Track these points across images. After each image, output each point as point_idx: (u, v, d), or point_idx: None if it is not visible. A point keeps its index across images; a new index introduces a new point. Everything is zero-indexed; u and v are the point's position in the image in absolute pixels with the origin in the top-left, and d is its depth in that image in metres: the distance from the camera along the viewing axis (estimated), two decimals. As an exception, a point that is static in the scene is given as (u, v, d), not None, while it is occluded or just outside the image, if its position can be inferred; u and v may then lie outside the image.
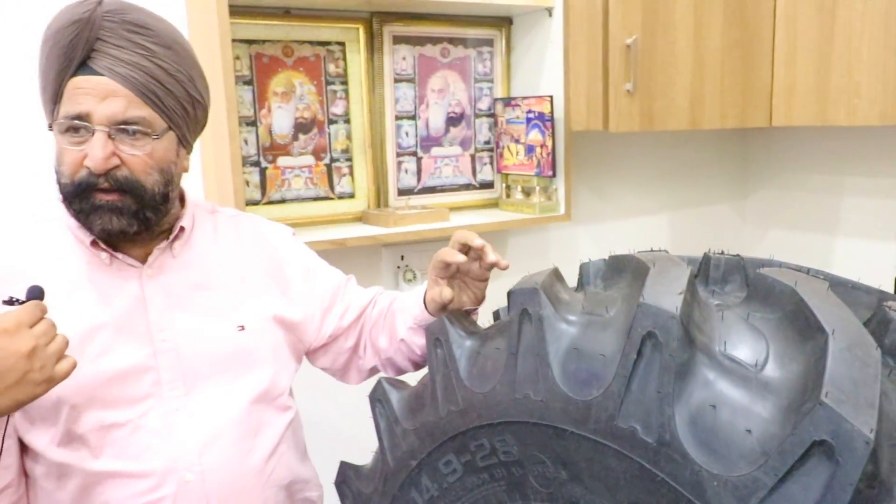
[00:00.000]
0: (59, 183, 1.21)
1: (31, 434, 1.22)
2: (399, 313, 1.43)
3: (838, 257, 2.63)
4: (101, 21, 1.16)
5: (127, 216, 1.20)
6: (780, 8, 2.22)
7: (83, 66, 1.16)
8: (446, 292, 1.31)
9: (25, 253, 1.25)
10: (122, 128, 1.17)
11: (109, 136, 1.16)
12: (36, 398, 1.05)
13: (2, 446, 1.19)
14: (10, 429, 1.20)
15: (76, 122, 1.16)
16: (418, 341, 1.38)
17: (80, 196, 1.18)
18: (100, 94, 1.16)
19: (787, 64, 2.23)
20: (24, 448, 1.24)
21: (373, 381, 1.44)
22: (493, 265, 1.30)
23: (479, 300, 1.36)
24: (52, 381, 1.05)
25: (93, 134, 1.16)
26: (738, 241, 2.89)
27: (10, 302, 1.06)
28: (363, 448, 1.40)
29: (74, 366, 1.08)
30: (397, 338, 1.41)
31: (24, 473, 1.25)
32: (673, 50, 2.13)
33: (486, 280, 1.35)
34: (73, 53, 1.15)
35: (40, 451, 1.21)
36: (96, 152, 1.15)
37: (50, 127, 1.22)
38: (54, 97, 1.19)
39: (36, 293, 1.07)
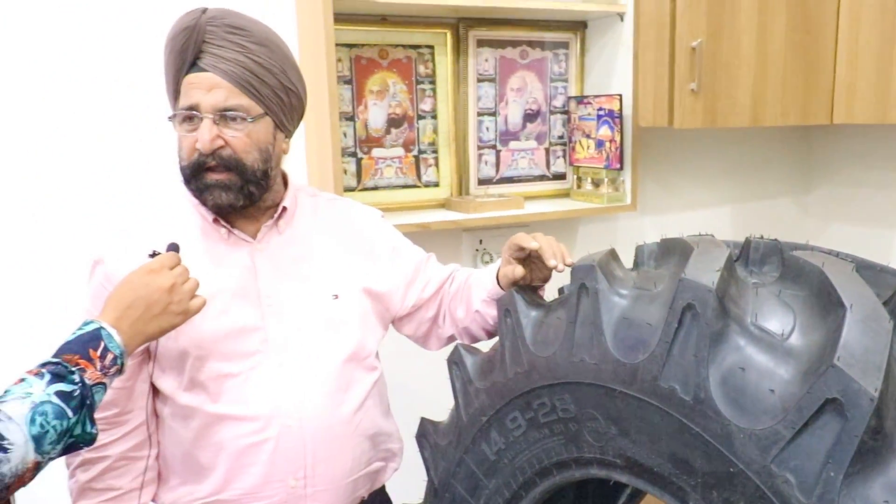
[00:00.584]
0: (180, 167, 1.28)
1: (161, 380, 1.29)
2: (475, 287, 1.45)
3: (899, 250, 2.56)
4: (205, 26, 1.23)
5: (234, 191, 1.26)
6: (843, 10, 2.16)
7: (193, 66, 1.24)
8: (518, 270, 1.33)
9: (163, 228, 1.32)
10: (224, 114, 1.23)
11: (214, 121, 1.23)
12: (174, 327, 1.14)
13: (141, 386, 1.29)
14: (145, 374, 1.29)
15: (189, 111, 1.24)
16: (491, 312, 1.40)
17: (195, 176, 1.26)
18: (206, 87, 1.23)
19: (848, 63, 2.17)
20: (155, 393, 1.32)
21: (450, 347, 1.46)
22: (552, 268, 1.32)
23: (546, 279, 1.37)
24: (187, 313, 1.14)
25: (202, 121, 1.23)
26: (800, 234, 2.77)
27: (153, 254, 1.15)
28: (440, 407, 1.43)
29: (204, 303, 1.16)
30: (472, 309, 1.44)
31: (156, 414, 1.33)
32: (737, 51, 2.10)
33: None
34: (185, 55, 1.24)
35: (169, 395, 1.29)
36: (204, 135, 1.22)
37: (171, 119, 1.30)
38: (175, 94, 1.28)
39: (173, 247, 1.17)
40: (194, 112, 1.24)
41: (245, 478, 1.28)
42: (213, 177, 1.25)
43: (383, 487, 1.51)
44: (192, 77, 1.24)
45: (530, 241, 1.31)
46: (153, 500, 1.35)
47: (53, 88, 1.85)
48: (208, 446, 1.28)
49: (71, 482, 1.30)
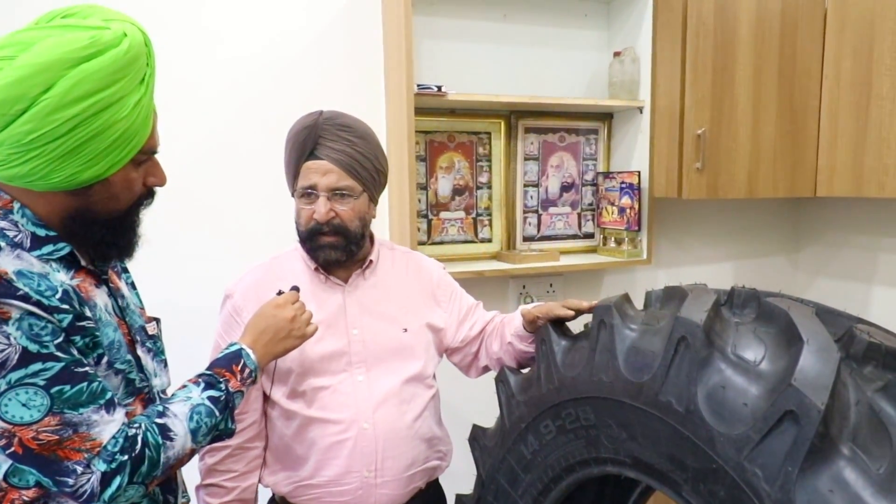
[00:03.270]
0: (297, 230, 1.34)
1: (271, 389, 1.34)
2: (507, 325, 1.45)
3: (875, 302, 2.48)
4: (322, 125, 1.29)
5: (340, 250, 1.31)
6: (823, 104, 2.17)
7: (311, 154, 1.29)
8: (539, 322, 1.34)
9: (278, 273, 1.38)
10: (335, 193, 1.29)
11: (328, 198, 1.29)
12: (294, 348, 1.18)
13: (255, 394, 1.33)
14: (259, 383, 1.33)
15: (308, 190, 1.29)
16: (519, 345, 1.40)
17: (310, 238, 1.31)
18: (321, 172, 1.28)
19: (828, 147, 2.16)
20: (265, 399, 1.36)
21: (488, 375, 1.48)
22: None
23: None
24: (304, 337, 1.18)
25: (318, 198, 1.29)
26: (791, 287, 2.73)
27: (279, 293, 1.21)
28: (487, 417, 1.45)
29: (316, 329, 1.20)
30: (505, 342, 1.43)
31: (265, 415, 1.37)
32: (735, 137, 2.10)
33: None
34: (305, 146, 1.29)
35: (276, 400, 1.33)
36: (321, 209, 1.28)
37: (292, 194, 1.36)
38: (294, 175, 1.32)
39: (295, 288, 1.23)
40: (312, 191, 1.29)
41: (330, 468, 1.31)
42: (325, 239, 1.30)
43: (437, 481, 1.51)
44: (311, 163, 1.29)
45: (567, 312, 1.30)
46: (260, 481, 1.38)
47: (224, 138, 1.93)
48: (304, 441, 1.32)
49: (200, 464, 1.35)
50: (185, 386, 1.03)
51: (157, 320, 1.16)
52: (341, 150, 1.29)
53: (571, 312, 1.29)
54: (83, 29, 0.88)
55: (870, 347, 0.90)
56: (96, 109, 0.88)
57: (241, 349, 1.10)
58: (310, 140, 1.29)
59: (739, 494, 0.85)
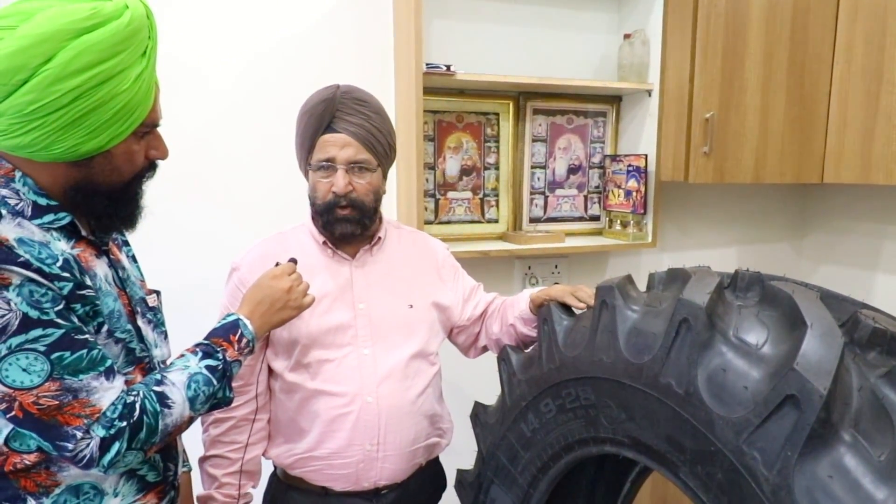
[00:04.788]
0: (313, 204, 1.32)
1: (275, 362, 1.33)
2: (509, 308, 1.44)
3: (879, 290, 2.45)
4: (340, 99, 1.28)
5: (354, 223, 1.30)
6: (833, 89, 2.12)
7: (328, 128, 1.28)
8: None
9: (284, 246, 1.36)
10: (353, 166, 1.28)
11: (346, 171, 1.28)
12: (291, 319, 1.17)
13: (260, 366, 1.32)
14: (262, 356, 1.33)
15: (326, 163, 1.28)
16: (521, 328, 1.40)
17: (327, 211, 1.30)
18: (340, 145, 1.27)
19: (837, 133, 2.12)
20: (270, 371, 1.36)
21: (487, 355, 1.48)
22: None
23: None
24: (300, 308, 1.17)
25: (336, 171, 1.27)
26: (795, 273, 2.69)
27: (276, 265, 1.20)
28: (488, 394, 1.45)
29: (314, 300, 1.20)
30: (507, 323, 1.42)
31: (269, 388, 1.37)
32: (743, 122, 2.07)
33: None
34: (323, 120, 1.27)
35: (279, 373, 1.33)
36: (339, 182, 1.27)
37: (303, 169, 1.34)
38: (309, 149, 1.30)
39: (292, 260, 1.22)
40: (330, 163, 1.27)
41: (333, 440, 1.30)
42: (342, 213, 1.29)
43: (437, 458, 1.50)
44: (328, 136, 1.27)
45: (576, 302, 1.28)
46: (263, 453, 1.38)
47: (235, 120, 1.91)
48: (307, 414, 1.31)
49: (204, 435, 1.35)
50: (182, 355, 1.03)
51: (158, 293, 1.16)
52: (359, 123, 1.27)
53: (583, 305, 1.26)
54: (84, 0, 0.86)
55: (874, 333, 0.87)
56: (97, 81, 0.87)
57: (239, 319, 1.09)
58: (327, 113, 1.28)
59: (737, 478, 0.84)
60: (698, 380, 0.90)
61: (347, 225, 1.31)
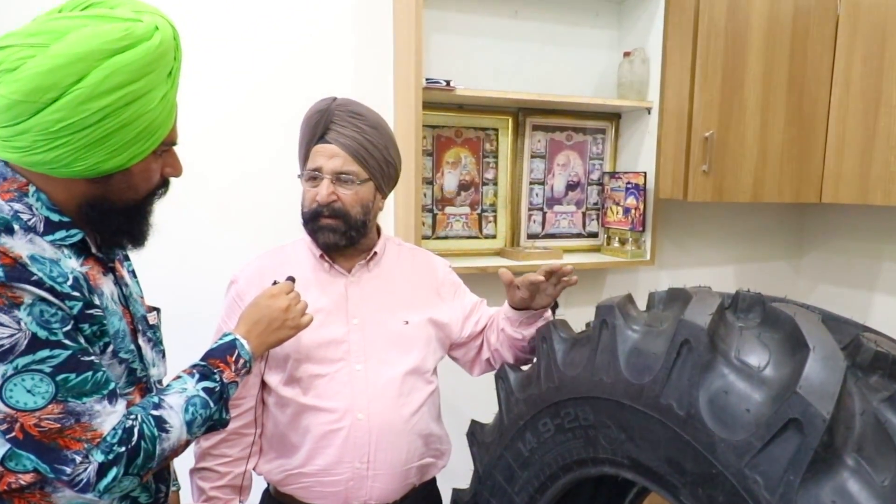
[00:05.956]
0: (302, 212, 1.32)
1: (268, 375, 1.32)
2: (500, 313, 1.43)
3: (876, 310, 2.46)
4: (334, 110, 1.28)
5: (339, 233, 1.29)
6: (832, 110, 2.15)
7: (321, 138, 1.29)
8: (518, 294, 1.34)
9: (282, 260, 1.37)
10: (339, 177, 1.28)
11: (332, 181, 1.27)
12: (289, 338, 1.15)
13: (254, 381, 1.31)
14: (257, 371, 1.32)
15: (313, 172, 1.29)
16: (509, 330, 1.37)
17: (312, 220, 1.30)
18: (328, 155, 1.27)
19: (836, 153, 2.14)
20: (263, 386, 1.35)
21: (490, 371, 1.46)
22: (564, 273, 1.29)
23: (549, 304, 1.36)
24: (298, 328, 1.16)
25: (322, 180, 1.28)
26: (793, 292, 2.67)
27: (275, 283, 1.19)
28: (485, 413, 1.44)
29: (311, 320, 1.18)
30: (499, 328, 1.41)
31: (263, 401, 1.36)
32: (742, 141, 2.09)
33: (556, 295, 1.35)
34: (317, 130, 1.29)
35: (273, 387, 1.32)
36: (322, 191, 1.27)
37: (300, 176, 1.34)
38: (304, 158, 1.32)
39: (290, 279, 1.21)
40: (318, 173, 1.28)
41: (323, 457, 1.29)
42: (325, 221, 1.29)
43: (433, 480, 1.48)
44: (319, 147, 1.29)
45: (538, 277, 1.30)
46: (254, 468, 1.37)
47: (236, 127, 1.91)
48: (298, 429, 1.30)
49: (195, 447, 1.33)
50: (179, 377, 1.01)
51: (158, 310, 1.15)
52: (350, 135, 1.28)
53: (541, 278, 1.28)
54: (117, 20, 0.87)
55: (876, 356, 0.87)
56: (126, 101, 0.87)
57: (236, 339, 1.08)
58: (321, 124, 1.29)
59: (739, 502, 0.83)
60: (700, 402, 0.90)
61: (331, 234, 1.30)
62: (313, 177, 1.30)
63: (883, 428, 0.79)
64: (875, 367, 0.87)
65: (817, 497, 0.75)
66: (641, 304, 1.21)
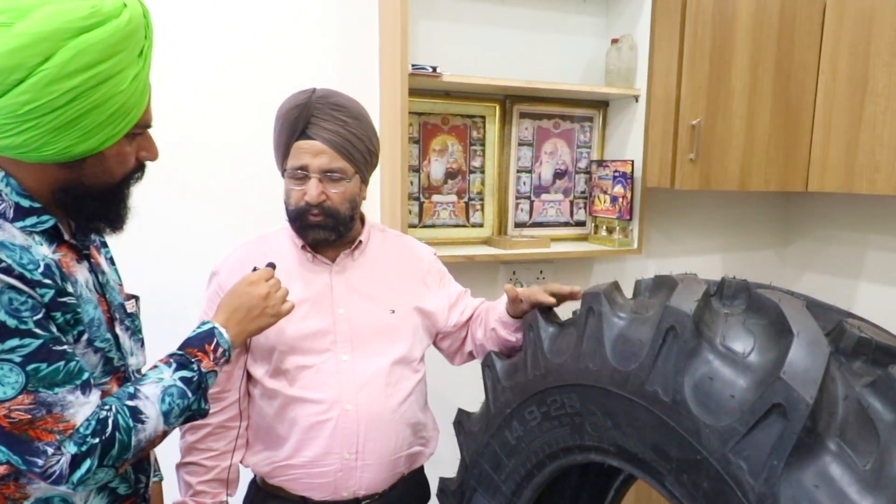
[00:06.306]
0: (287, 210, 1.31)
1: (254, 367, 1.32)
2: (490, 312, 1.42)
3: (861, 298, 2.48)
4: (314, 104, 1.25)
5: (328, 230, 1.29)
6: (819, 99, 2.15)
7: (302, 134, 1.25)
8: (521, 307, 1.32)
9: (264, 250, 1.35)
10: (327, 175, 1.26)
11: (320, 180, 1.26)
12: (269, 326, 1.14)
13: (238, 373, 1.31)
14: (241, 363, 1.32)
15: (299, 171, 1.26)
16: (501, 332, 1.37)
17: (299, 218, 1.28)
18: (313, 153, 1.24)
19: (822, 142, 2.15)
20: (248, 378, 1.34)
21: (473, 363, 1.47)
22: (575, 297, 1.27)
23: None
24: (278, 316, 1.14)
25: (309, 179, 1.25)
26: (778, 280, 2.64)
27: (254, 270, 1.18)
28: (472, 402, 1.43)
29: (293, 307, 1.17)
30: (489, 328, 1.40)
31: (248, 394, 1.36)
32: (729, 129, 2.09)
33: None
34: (297, 125, 1.25)
35: (258, 379, 1.31)
36: (312, 191, 1.25)
37: (282, 174, 1.32)
38: (284, 155, 1.28)
39: (270, 265, 1.20)
40: (303, 171, 1.26)
41: (311, 448, 1.29)
42: (313, 219, 1.28)
43: (421, 468, 1.49)
44: (302, 143, 1.25)
45: (548, 298, 1.27)
46: (241, 461, 1.37)
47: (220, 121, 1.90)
48: (285, 421, 1.30)
49: (181, 441, 1.33)
50: (156, 366, 1.00)
51: (137, 298, 1.14)
52: (334, 130, 1.25)
53: (553, 300, 1.26)
54: None
55: (860, 342, 0.87)
56: (95, 82, 0.85)
57: (214, 328, 1.07)
58: (301, 119, 1.25)
59: (723, 487, 0.84)
60: (685, 388, 0.90)
61: (320, 231, 1.29)
62: (299, 176, 1.27)
63: (865, 413, 0.79)
64: (858, 353, 0.87)
65: (800, 481, 0.75)
66: (629, 293, 1.20)
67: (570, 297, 1.27)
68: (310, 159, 1.25)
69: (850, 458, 0.75)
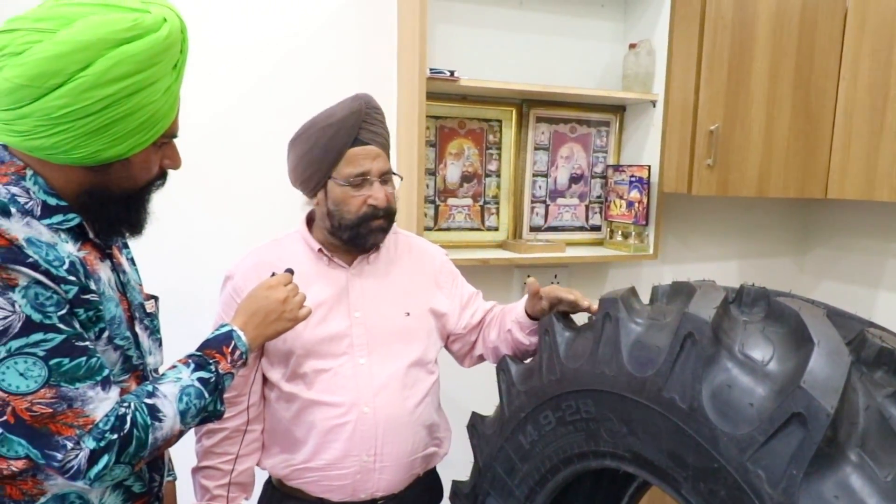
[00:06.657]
0: (342, 217, 1.29)
1: (270, 371, 1.33)
2: (507, 314, 1.42)
3: (880, 308, 2.44)
4: (365, 109, 1.28)
5: (384, 233, 1.33)
6: (839, 104, 2.14)
7: (356, 140, 1.27)
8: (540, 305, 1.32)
9: (279, 254, 1.35)
10: (384, 178, 1.29)
11: (381, 182, 1.29)
12: (286, 331, 1.15)
13: (254, 376, 1.31)
14: (257, 366, 1.32)
15: (361, 178, 1.27)
16: (517, 333, 1.38)
17: (361, 224, 1.29)
18: (372, 157, 1.28)
19: (842, 148, 2.12)
20: (265, 381, 1.35)
21: (485, 365, 1.47)
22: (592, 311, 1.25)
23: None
24: (296, 320, 1.15)
25: (372, 183, 1.28)
26: (796, 288, 2.67)
27: (273, 275, 1.18)
28: (486, 405, 1.43)
29: (310, 312, 1.17)
30: (505, 328, 1.40)
31: (263, 397, 1.36)
32: (747, 135, 2.07)
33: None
34: (353, 132, 1.27)
35: (275, 382, 1.32)
36: (380, 195, 1.28)
37: (315, 184, 1.30)
38: (333, 163, 1.27)
39: (289, 270, 1.20)
40: (364, 177, 1.27)
41: (329, 451, 1.29)
42: (377, 223, 1.30)
43: (434, 469, 1.49)
44: (358, 150, 1.27)
45: (568, 294, 1.27)
46: (258, 464, 1.38)
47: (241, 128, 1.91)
48: (303, 424, 1.30)
49: (197, 446, 1.34)
50: (174, 366, 1.02)
51: (156, 298, 1.15)
52: (380, 132, 1.30)
53: (573, 297, 1.26)
54: (126, 10, 0.88)
55: (881, 352, 0.87)
56: (130, 91, 0.88)
57: (232, 330, 1.08)
58: (356, 126, 1.27)
59: (741, 496, 0.83)
60: (703, 395, 0.90)
61: (381, 235, 1.32)
62: (358, 182, 1.28)
63: (887, 423, 0.79)
64: (880, 363, 0.87)
65: (820, 492, 0.74)
66: (644, 299, 1.19)
67: (587, 310, 1.27)
68: (370, 164, 1.28)
69: (871, 468, 0.74)
